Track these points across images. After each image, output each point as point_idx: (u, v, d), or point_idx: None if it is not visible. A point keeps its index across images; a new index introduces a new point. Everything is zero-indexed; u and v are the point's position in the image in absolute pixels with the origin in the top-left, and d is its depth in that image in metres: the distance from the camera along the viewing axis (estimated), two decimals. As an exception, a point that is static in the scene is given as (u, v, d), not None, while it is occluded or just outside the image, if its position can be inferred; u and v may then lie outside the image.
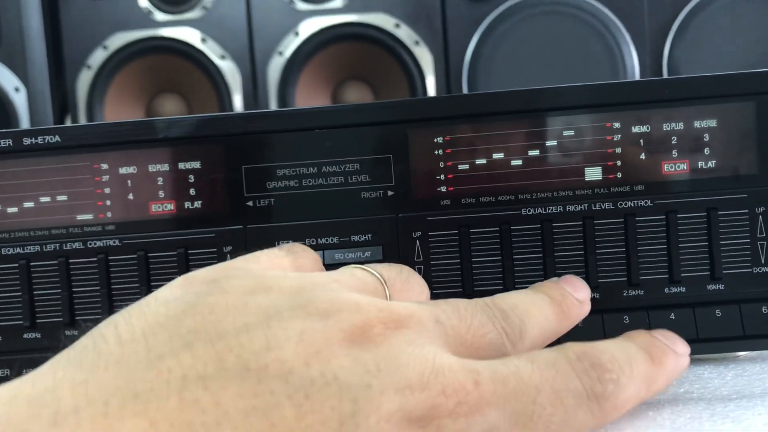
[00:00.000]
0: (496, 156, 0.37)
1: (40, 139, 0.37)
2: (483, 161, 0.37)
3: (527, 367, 0.24)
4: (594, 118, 0.37)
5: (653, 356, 0.27)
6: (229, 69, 1.24)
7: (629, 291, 0.37)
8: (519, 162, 0.37)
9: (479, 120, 0.37)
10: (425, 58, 1.24)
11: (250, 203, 0.38)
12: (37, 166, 0.38)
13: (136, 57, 1.24)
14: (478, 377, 0.23)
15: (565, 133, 0.37)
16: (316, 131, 0.37)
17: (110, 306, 0.38)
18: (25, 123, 1.16)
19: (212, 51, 1.23)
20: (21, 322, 0.38)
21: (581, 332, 0.36)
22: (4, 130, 0.38)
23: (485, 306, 0.28)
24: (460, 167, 0.37)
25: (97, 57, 1.23)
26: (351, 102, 1.26)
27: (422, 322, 0.25)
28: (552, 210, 0.37)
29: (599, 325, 0.37)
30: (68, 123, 1.23)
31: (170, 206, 0.38)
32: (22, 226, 0.38)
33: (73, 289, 0.38)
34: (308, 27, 1.23)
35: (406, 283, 0.31)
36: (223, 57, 1.23)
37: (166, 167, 0.38)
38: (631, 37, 1.21)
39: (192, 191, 0.38)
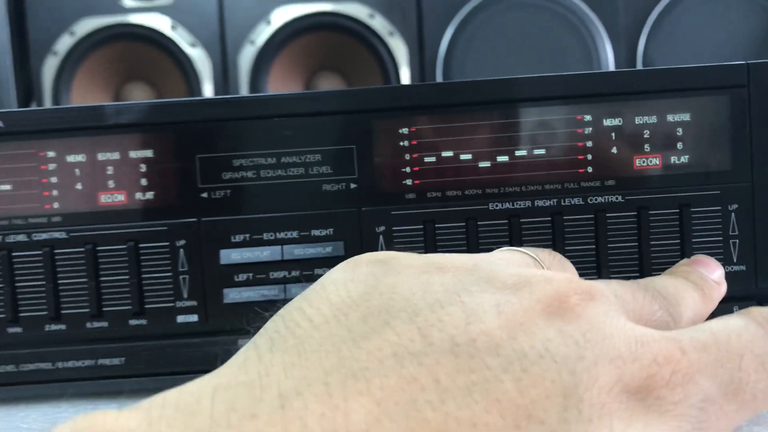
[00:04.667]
0: (464, 149, 0.36)
1: (-19, 125, 0.35)
2: (450, 154, 0.36)
3: (723, 333, 0.23)
4: (565, 111, 0.35)
5: None
6: (199, 57, 1.21)
7: (599, 289, 0.36)
8: (487, 155, 0.35)
9: (446, 110, 0.35)
10: (400, 49, 1.22)
11: (205, 195, 0.36)
12: (-21, 153, 0.36)
13: (104, 44, 1.21)
14: (681, 345, 0.22)
15: (535, 125, 0.35)
16: (275, 119, 0.36)
17: (56, 302, 0.36)
18: (-13, 109, 1.13)
19: (182, 38, 1.20)
20: (-41, 318, 0.36)
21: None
22: (-58, 115, 0.35)
23: (644, 287, 0.28)
24: (426, 160, 0.36)
25: (64, 43, 1.20)
26: (324, 93, 1.24)
27: (606, 295, 0.24)
28: (520, 205, 0.35)
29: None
30: (32, 110, 1.19)
31: (121, 197, 0.36)
32: (-38, 217, 0.36)
33: (17, 284, 0.36)
34: (281, 16, 1.20)
35: (561, 263, 0.31)
36: (193, 45, 1.20)
37: (116, 156, 0.36)
38: (606, 31, 1.20)
39: (144, 181, 0.36)
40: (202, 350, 0.36)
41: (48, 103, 1.18)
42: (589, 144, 0.35)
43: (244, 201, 0.36)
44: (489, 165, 0.35)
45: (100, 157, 0.36)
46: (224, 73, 1.21)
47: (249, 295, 0.36)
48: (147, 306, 0.36)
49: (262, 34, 1.18)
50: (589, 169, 0.36)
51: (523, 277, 0.23)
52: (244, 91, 1.20)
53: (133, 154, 0.36)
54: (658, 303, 0.27)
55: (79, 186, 0.36)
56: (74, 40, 1.18)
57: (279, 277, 0.36)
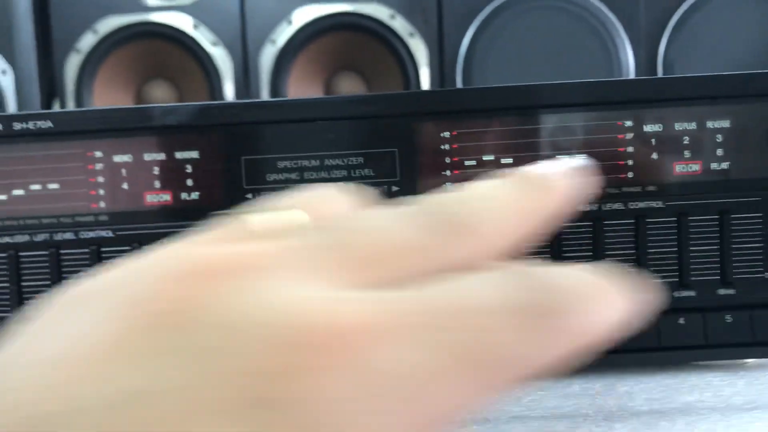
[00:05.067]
0: (505, 152, 0.36)
1: (31, 124, 0.36)
2: (491, 157, 0.36)
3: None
4: (605, 116, 0.36)
5: None
6: (220, 56, 1.22)
7: (638, 294, 0.36)
8: (528, 159, 0.36)
9: (489, 115, 0.36)
10: (420, 50, 1.23)
11: (250, 195, 0.36)
12: (28, 152, 0.36)
13: (127, 42, 1.22)
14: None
15: (577, 130, 0.36)
16: (319, 122, 0.36)
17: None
18: (12, 106, 1.14)
19: (204, 38, 1.21)
20: (8, 314, 0.36)
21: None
22: (-7, 114, 0.36)
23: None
24: (467, 163, 0.36)
25: (87, 41, 1.20)
26: (344, 93, 1.24)
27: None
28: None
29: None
30: (56, 107, 1.21)
31: (166, 197, 0.37)
32: (12, 215, 0.36)
33: (64, 281, 0.36)
34: (302, 15, 1.21)
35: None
36: (215, 44, 1.21)
37: (162, 156, 0.36)
38: (627, 34, 1.20)
39: (189, 182, 0.36)
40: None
41: (70, 101, 1.19)
42: (630, 149, 0.36)
43: (287, 202, 0.36)
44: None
45: (147, 157, 0.36)
46: (245, 73, 1.22)
47: (291, 294, 0.36)
48: (191, 304, 0.36)
49: (283, 33, 1.19)
50: (630, 175, 0.36)
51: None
52: (264, 90, 1.21)
53: (179, 155, 0.36)
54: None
55: (125, 185, 0.37)
56: (97, 39, 1.19)
57: (321, 277, 0.36)
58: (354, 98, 0.36)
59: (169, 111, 0.36)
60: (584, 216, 0.36)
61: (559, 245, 0.36)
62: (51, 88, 1.22)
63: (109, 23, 1.19)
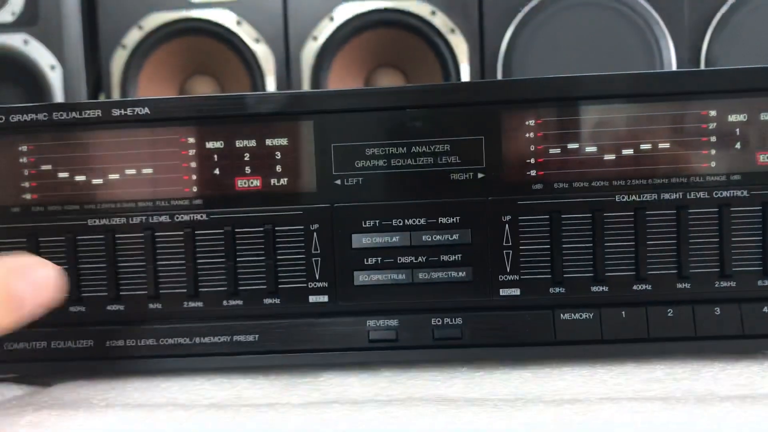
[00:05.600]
0: (591, 141, 0.37)
1: (129, 111, 0.37)
2: (575, 146, 0.37)
3: None
4: (690, 106, 0.36)
5: None
6: (263, 53, 1.23)
7: (721, 282, 0.36)
8: (614, 147, 0.36)
9: (574, 103, 0.36)
10: (460, 46, 1.23)
11: (338, 182, 0.37)
12: (125, 137, 0.38)
13: (171, 38, 1.23)
14: None
15: (662, 119, 0.36)
16: (407, 110, 0.37)
17: (195, 280, 0.38)
18: (59, 101, 1.17)
19: (247, 34, 1.22)
20: (105, 293, 0.38)
21: (672, 322, 0.36)
22: (93, 101, 0.37)
23: None
24: (552, 151, 0.37)
25: (132, 37, 1.22)
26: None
27: None
28: (646, 198, 0.36)
29: (690, 317, 0.36)
30: (102, 102, 1.23)
31: (256, 182, 0.38)
32: (109, 198, 0.38)
33: (158, 263, 0.38)
34: (343, 12, 1.22)
35: None
36: (257, 40, 1.22)
37: (253, 143, 0.38)
38: (670, 31, 1.19)
39: (278, 168, 0.38)
40: (331, 330, 0.38)
41: (116, 95, 1.21)
42: (714, 139, 0.36)
43: (375, 188, 0.37)
44: (616, 157, 0.36)
45: (238, 144, 0.38)
46: (287, 69, 1.23)
47: (378, 278, 0.37)
48: (281, 286, 0.38)
49: (325, 30, 1.20)
50: (713, 164, 0.36)
51: None
52: (306, 86, 1.22)
53: (269, 142, 0.37)
54: None
55: (217, 171, 0.38)
56: (142, 35, 1.21)
57: (407, 262, 0.37)
58: (441, 87, 0.37)
59: (261, 99, 0.37)
60: (671, 203, 0.36)
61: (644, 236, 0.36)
62: (97, 84, 1.24)
63: (155, 19, 1.20)
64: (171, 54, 1.25)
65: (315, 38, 1.22)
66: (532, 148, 0.37)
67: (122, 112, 0.37)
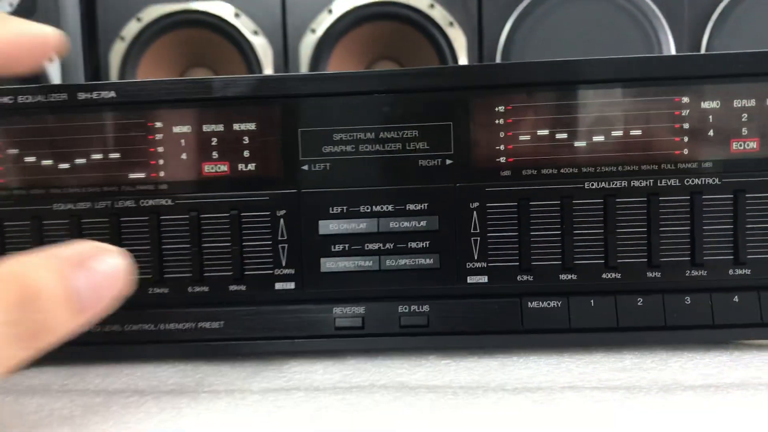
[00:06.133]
0: (560, 127, 0.36)
1: (95, 94, 0.37)
2: (545, 132, 0.36)
3: None
4: (663, 92, 0.36)
5: None
6: (261, 45, 1.23)
7: (692, 271, 0.36)
8: (584, 134, 0.36)
9: (543, 89, 0.36)
10: (459, 39, 1.22)
11: (305, 167, 0.37)
12: (92, 121, 0.37)
13: (170, 30, 1.23)
14: None
15: (633, 105, 0.36)
16: (375, 95, 0.37)
17: (160, 265, 0.37)
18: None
19: (245, 26, 1.22)
20: (71, 278, 0.37)
21: (642, 312, 0.35)
22: (59, 84, 0.37)
23: None
24: (521, 138, 0.36)
25: (131, 29, 1.22)
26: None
27: None
28: (616, 184, 0.36)
29: (660, 305, 0.36)
30: (100, 93, 1.23)
31: (224, 167, 0.37)
32: (75, 183, 0.37)
33: (123, 248, 0.37)
34: (342, 5, 1.21)
35: None
36: (255, 33, 1.22)
37: (220, 128, 0.37)
38: (669, 25, 1.18)
39: (246, 153, 0.37)
40: (298, 317, 0.37)
41: (114, 87, 1.21)
42: (686, 126, 0.36)
43: (342, 174, 0.37)
44: (585, 144, 0.36)
45: (205, 128, 0.37)
46: (285, 61, 1.23)
47: (345, 265, 0.37)
48: (247, 273, 0.37)
49: (323, 23, 1.19)
50: (686, 151, 0.36)
51: None
52: (303, 78, 1.22)
53: (237, 126, 0.37)
54: None
55: (184, 156, 0.37)
56: (141, 26, 1.21)
57: (374, 248, 0.37)
58: (410, 71, 0.36)
59: (228, 83, 0.37)
60: (641, 190, 0.36)
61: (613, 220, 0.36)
62: (95, 75, 1.24)
63: (153, 11, 1.20)
64: (169, 46, 1.25)
65: (313, 31, 1.21)
66: (501, 134, 0.36)
67: (88, 95, 0.37)
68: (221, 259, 0.37)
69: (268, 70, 1.21)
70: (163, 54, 1.25)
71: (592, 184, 0.36)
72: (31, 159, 0.37)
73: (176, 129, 0.37)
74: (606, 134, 0.36)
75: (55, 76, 1.17)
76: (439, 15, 1.20)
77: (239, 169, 0.37)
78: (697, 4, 1.17)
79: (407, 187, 0.37)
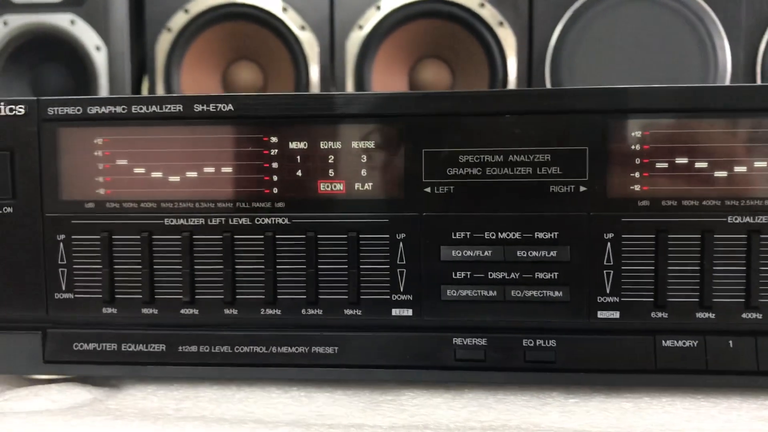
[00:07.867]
0: (702, 156, 0.34)
1: (212, 107, 0.35)
2: (685, 160, 0.34)
3: None
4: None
5: None
6: (307, 40, 1.22)
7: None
8: (728, 164, 0.34)
9: (685, 115, 0.34)
10: (508, 40, 1.20)
11: (428, 189, 0.35)
12: (206, 134, 0.36)
13: (216, 22, 1.22)
14: None
15: (783, 136, 0.34)
16: (506, 116, 0.35)
17: (274, 287, 0.36)
18: (104, 82, 1.16)
19: (292, 21, 1.21)
20: (180, 296, 0.36)
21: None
22: (176, 95, 0.36)
23: None
24: (659, 165, 0.34)
25: (178, 20, 1.22)
26: (429, 80, 1.23)
27: None
28: (761, 219, 0.34)
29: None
30: (145, 84, 1.22)
31: (339, 186, 0.36)
32: (186, 197, 0.36)
33: (236, 267, 0.36)
34: (390, 1, 1.20)
35: None
36: (302, 28, 1.21)
37: (338, 145, 0.36)
38: (726, 31, 1.16)
39: (364, 172, 0.36)
40: (416, 345, 0.36)
41: (159, 79, 1.20)
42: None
43: (467, 198, 0.35)
44: (730, 175, 0.34)
45: (322, 145, 0.36)
46: (331, 57, 1.21)
47: (467, 293, 0.35)
48: (363, 297, 0.36)
49: (371, 19, 1.18)
50: (835, 186, 0.34)
51: None
52: (349, 75, 1.20)
53: (355, 144, 0.35)
54: None
55: (299, 173, 0.36)
56: (188, 18, 1.20)
57: (498, 278, 0.35)
58: (543, 92, 0.35)
59: (351, 100, 0.35)
60: None
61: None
62: (141, 66, 1.23)
63: (201, 3, 1.19)
64: (216, 39, 1.24)
65: (360, 27, 1.20)
66: (638, 161, 0.34)
67: (205, 107, 0.35)
68: (337, 281, 0.36)
69: (313, 65, 1.20)
70: (209, 46, 1.24)
71: (736, 219, 0.34)
72: (140, 170, 0.36)
73: (292, 145, 0.36)
74: (749, 166, 0.34)
75: (102, 66, 1.16)
76: (489, 14, 1.18)
77: (356, 188, 0.36)
78: (755, 10, 1.14)
79: (536, 214, 0.35)
